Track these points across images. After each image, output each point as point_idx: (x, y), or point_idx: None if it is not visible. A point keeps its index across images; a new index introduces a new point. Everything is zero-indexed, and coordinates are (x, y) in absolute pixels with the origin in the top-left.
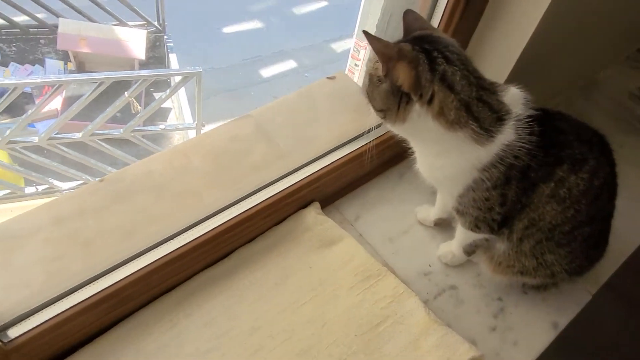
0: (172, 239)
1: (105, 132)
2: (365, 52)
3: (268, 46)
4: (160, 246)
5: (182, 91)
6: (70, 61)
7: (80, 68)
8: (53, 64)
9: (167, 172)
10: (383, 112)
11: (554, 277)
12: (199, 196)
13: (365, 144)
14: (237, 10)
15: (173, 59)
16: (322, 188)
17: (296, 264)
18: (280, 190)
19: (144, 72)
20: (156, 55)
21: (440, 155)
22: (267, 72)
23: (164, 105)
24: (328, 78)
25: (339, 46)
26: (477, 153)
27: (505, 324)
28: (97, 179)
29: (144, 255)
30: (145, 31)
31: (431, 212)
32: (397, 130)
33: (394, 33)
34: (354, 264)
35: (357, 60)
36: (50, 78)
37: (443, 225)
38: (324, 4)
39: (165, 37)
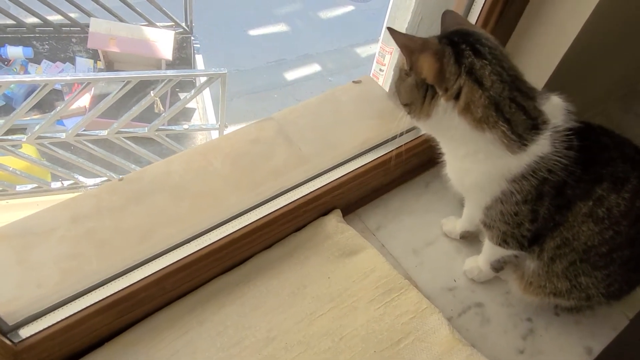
0: (188, 242)
1: (131, 130)
2: (390, 57)
3: (293, 49)
4: (176, 249)
5: (206, 92)
6: (99, 60)
7: (109, 67)
8: (83, 62)
9: (186, 174)
10: (408, 106)
11: (589, 300)
12: (218, 199)
13: (391, 151)
14: (263, 14)
15: (199, 59)
16: (344, 195)
17: (314, 273)
18: (301, 196)
19: (170, 72)
20: (183, 56)
21: (468, 157)
22: (291, 75)
23: (189, 105)
24: (354, 82)
25: (363, 51)
26: (506, 161)
27: (534, 347)
28: (116, 178)
29: (159, 258)
30: (173, 32)
31: (458, 224)
32: (423, 126)
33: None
34: (375, 276)
35: (382, 65)
36: (79, 76)
37: (470, 239)
38: (350, 8)
39: (192, 38)
